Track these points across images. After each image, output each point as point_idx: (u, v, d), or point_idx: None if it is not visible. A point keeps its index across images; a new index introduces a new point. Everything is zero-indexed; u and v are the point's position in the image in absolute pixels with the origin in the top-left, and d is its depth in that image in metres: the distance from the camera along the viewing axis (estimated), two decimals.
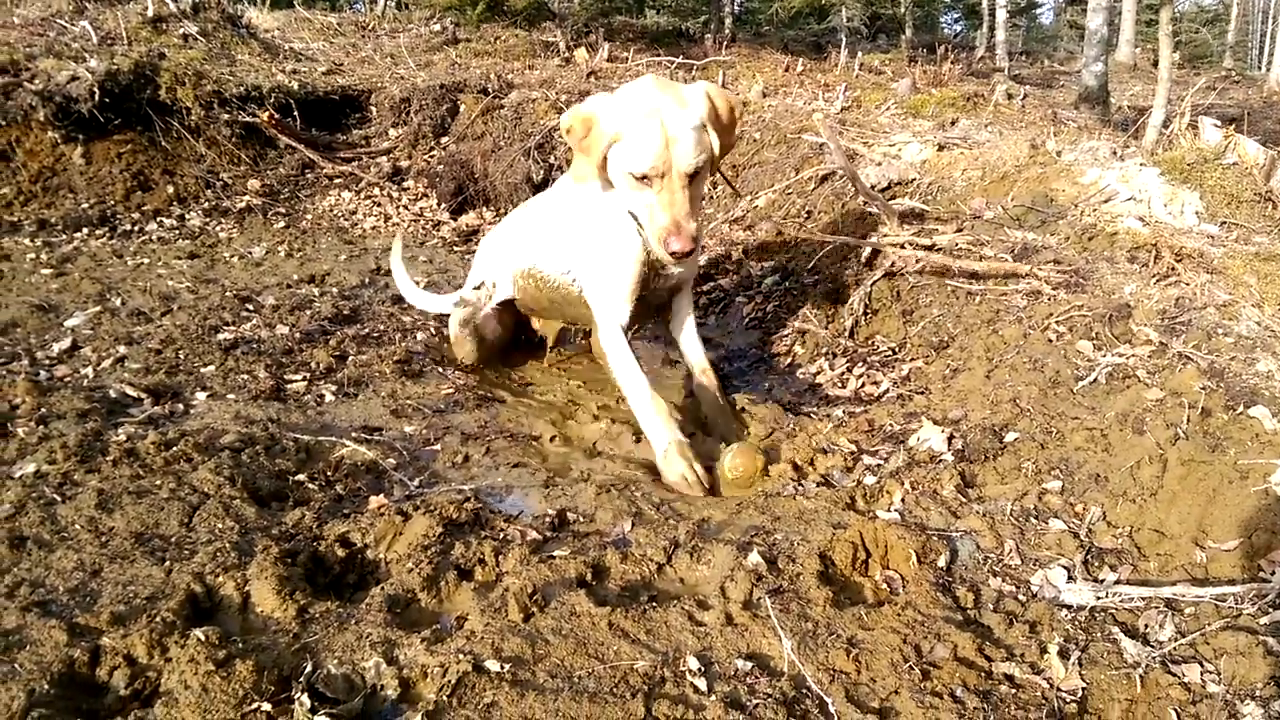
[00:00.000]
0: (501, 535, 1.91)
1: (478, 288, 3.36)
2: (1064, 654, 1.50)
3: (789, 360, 3.25)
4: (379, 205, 5.47)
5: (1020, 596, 1.67)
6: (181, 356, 2.98)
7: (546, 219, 3.09)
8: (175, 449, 2.13)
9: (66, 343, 3.02)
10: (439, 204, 5.55)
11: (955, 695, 1.41)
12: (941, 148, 4.19)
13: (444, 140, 6.12)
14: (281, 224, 5.04)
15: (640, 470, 2.37)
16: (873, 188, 4.06)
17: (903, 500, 1.99)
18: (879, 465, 2.21)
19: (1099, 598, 1.64)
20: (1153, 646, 1.51)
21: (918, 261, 3.15)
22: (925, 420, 2.32)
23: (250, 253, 4.47)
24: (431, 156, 5.97)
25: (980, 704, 1.39)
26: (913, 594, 1.66)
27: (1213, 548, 1.69)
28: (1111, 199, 3.31)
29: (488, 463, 2.41)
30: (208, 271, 4.14)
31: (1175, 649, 1.50)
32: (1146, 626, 1.57)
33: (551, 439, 2.64)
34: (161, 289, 3.77)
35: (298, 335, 3.31)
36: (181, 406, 2.60)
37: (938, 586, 1.67)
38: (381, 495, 2.09)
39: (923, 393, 2.57)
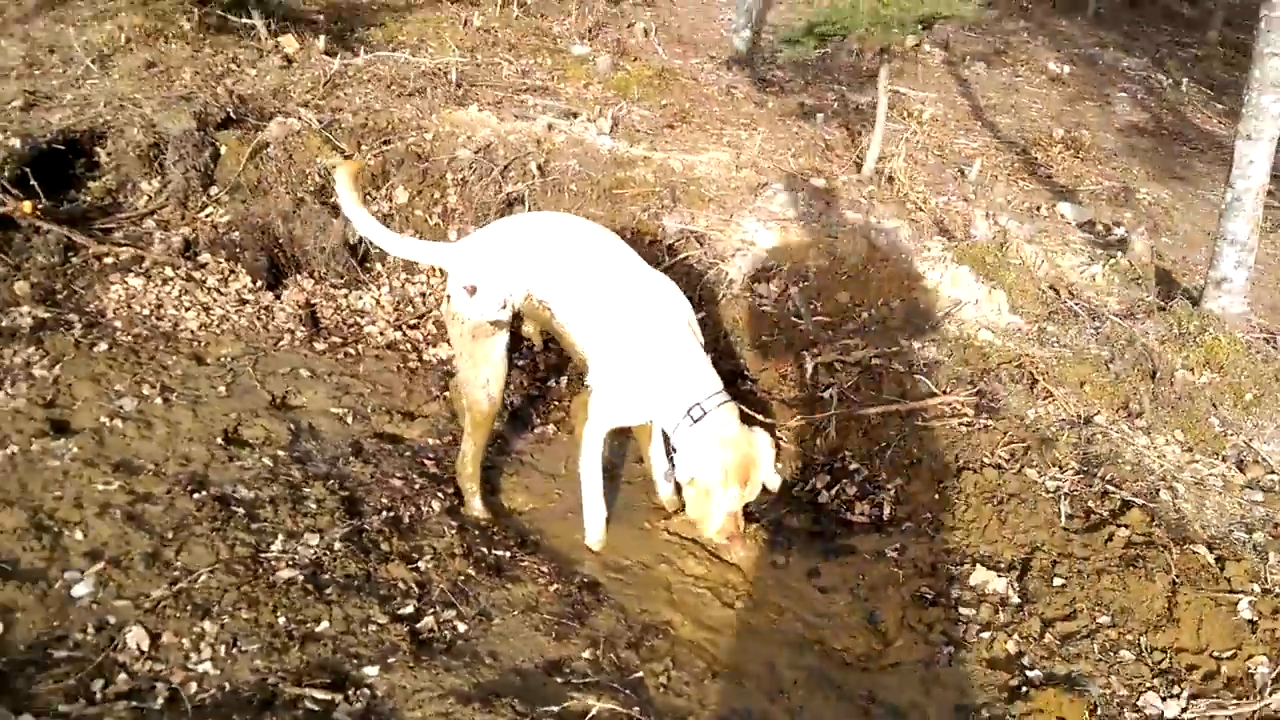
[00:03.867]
0: None
1: (503, 307, 3.46)
2: None
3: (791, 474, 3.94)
4: (187, 294, 4.84)
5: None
6: None
7: (601, 286, 3.38)
8: None
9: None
10: (255, 282, 5.05)
11: None
12: (784, 228, 4.97)
13: (214, 192, 5.44)
14: (104, 346, 4.26)
15: None
16: (750, 278, 4.76)
17: (1019, 651, 2.90)
18: (972, 615, 3.07)
19: (1183, 710, 2.71)
20: None
21: (860, 376, 3.99)
22: (976, 564, 3.22)
23: (121, 407, 3.88)
24: (209, 219, 5.30)
25: None
26: None
27: (1217, 658, 2.83)
28: (960, 303, 4.40)
29: None
30: (101, 450, 3.60)
31: None
32: None
33: None
34: (94, 498, 3.27)
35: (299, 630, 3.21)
36: None
37: None
38: None
39: (930, 523, 3.47)
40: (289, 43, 7.38)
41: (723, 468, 3.14)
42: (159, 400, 4.02)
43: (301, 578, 3.02)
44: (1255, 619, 2.88)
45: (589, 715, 2.59)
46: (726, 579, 3.34)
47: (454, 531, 3.38)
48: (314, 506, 3.42)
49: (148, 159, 5.40)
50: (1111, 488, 3.38)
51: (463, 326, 3.47)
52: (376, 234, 3.59)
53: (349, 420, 4.09)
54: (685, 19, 12.77)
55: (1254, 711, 2.67)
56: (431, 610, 2.99)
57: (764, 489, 3.30)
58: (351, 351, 4.73)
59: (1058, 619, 3.01)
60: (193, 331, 4.65)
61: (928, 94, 11.89)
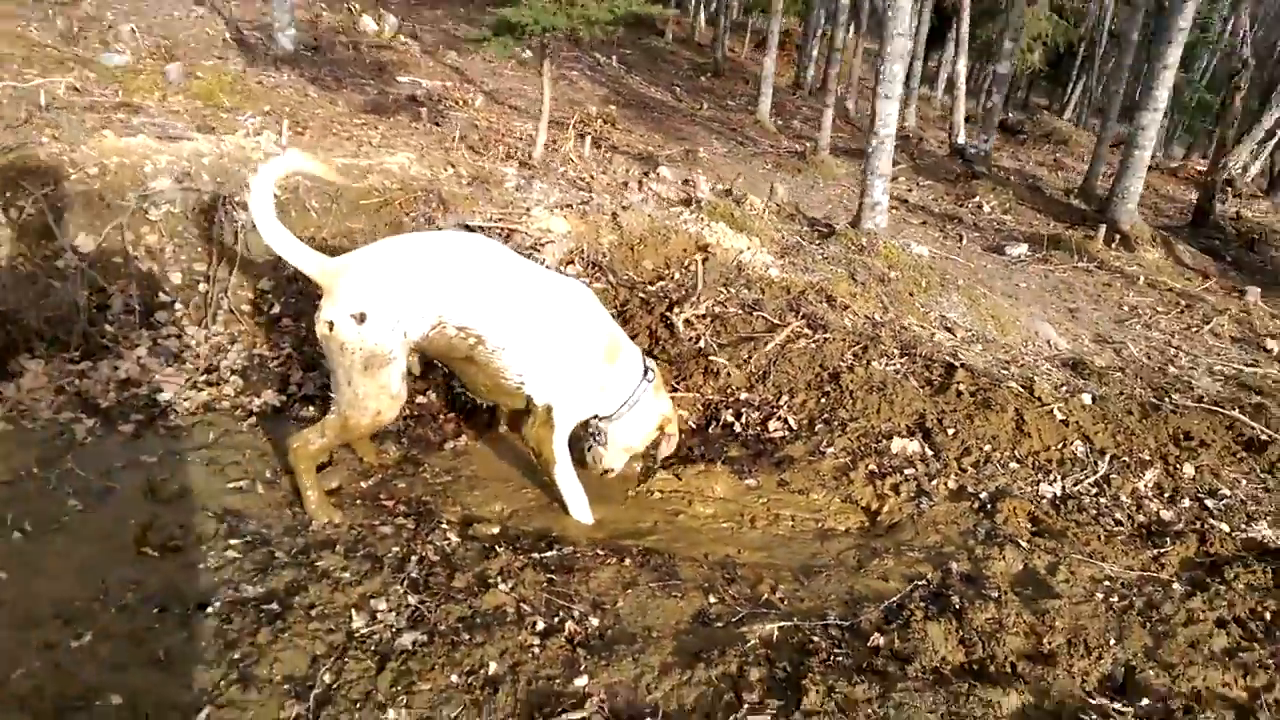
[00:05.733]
0: None
1: (401, 335, 3.25)
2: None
3: (688, 420, 4.40)
4: None
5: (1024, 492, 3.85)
6: None
7: (510, 288, 3.39)
8: None
9: None
10: None
11: None
12: (564, 214, 5.33)
13: None
14: None
15: None
16: (561, 262, 5.06)
17: (960, 485, 3.89)
18: (912, 472, 3.98)
19: (1062, 489, 3.93)
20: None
21: (713, 323, 4.63)
22: (891, 438, 4.14)
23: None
24: None
25: None
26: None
27: (1059, 449, 4.13)
28: (742, 251, 5.24)
29: None
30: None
31: None
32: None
33: None
34: None
35: None
36: None
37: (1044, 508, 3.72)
38: None
39: (835, 420, 4.30)
40: None
41: (653, 432, 3.79)
42: (16, 535, 3.15)
43: (423, 637, 2.82)
44: (1066, 418, 4.24)
45: (773, 637, 2.95)
46: (729, 510, 3.81)
47: (501, 550, 3.32)
48: (345, 576, 3.10)
49: None
50: (931, 360, 4.54)
51: (352, 357, 3.22)
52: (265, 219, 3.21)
53: (263, 490, 3.60)
54: (151, 18, 11.54)
55: (1096, 475, 4.01)
56: (555, 617, 3.00)
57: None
58: (173, 425, 4.02)
59: (961, 457, 4.06)
60: None
61: (448, 82, 12.60)
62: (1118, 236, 9.48)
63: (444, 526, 3.49)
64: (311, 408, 4.35)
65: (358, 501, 3.63)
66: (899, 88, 5.85)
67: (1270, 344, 6.72)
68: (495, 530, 3.58)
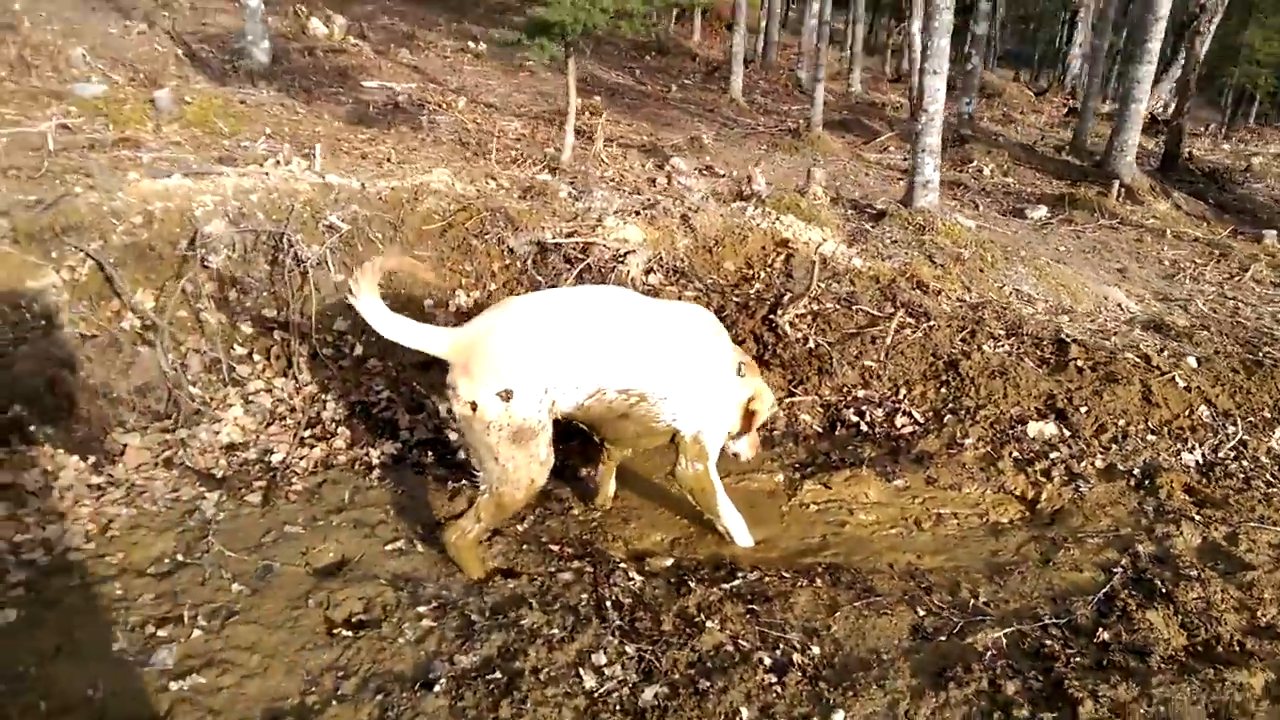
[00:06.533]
0: None
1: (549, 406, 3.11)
2: None
3: (813, 424, 4.34)
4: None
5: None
6: None
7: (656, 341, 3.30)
8: None
9: None
10: (85, 459, 3.67)
11: None
12: (634, 220, 5.20)
13: None
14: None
15: None
16: (644, 272, 4.95)
17: (1108, 463, 3.88)
18: (1057, 456, 3.96)
19: (1201, 455, 3.95)
20: None
21: (816, 322, 4.56)
22: (1025, 422, 4.12)
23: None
24: None
25: None
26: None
27: (1187, 416, 4.14)
28: (821, 244, 5.18)
29: None
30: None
31: None
32: None
33: None
34: None
35: None
36: None
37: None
38: None
39: (962, 409, 4.26)
40: None
41: None
42: (198, 632, 2.98)
43: (664, 689, 2.73)
44: (1188, 385, 4.26)
45: (1002, 644, 2.91)
46: (890, 514, 3.75)
47: (692, 584, 3.23)
48: (554, 632, 2.99)
49: None
50: (1039, 339, 4.53)
51: (500, 434, 3.06)
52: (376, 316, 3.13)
53: (423, 547, 3.47)
54: (92, 39, 11.01)
55: (1223, 437, 4.04)
56: (777, 649, 2.93)
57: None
58: (299, 489, 3.84)
59: (1099, 434, 4.06)
60: (84, 547, 3.36)
61: (414, 84, 12.39)
62: (1123, 190, 9.63)
63: (621, 566, 3.38)
64: (431, 453, 4.21)
65: (523, 547, 3.51)
66: (946, 63, 5.83)
67: None
68: (668, 563, 3.50)
